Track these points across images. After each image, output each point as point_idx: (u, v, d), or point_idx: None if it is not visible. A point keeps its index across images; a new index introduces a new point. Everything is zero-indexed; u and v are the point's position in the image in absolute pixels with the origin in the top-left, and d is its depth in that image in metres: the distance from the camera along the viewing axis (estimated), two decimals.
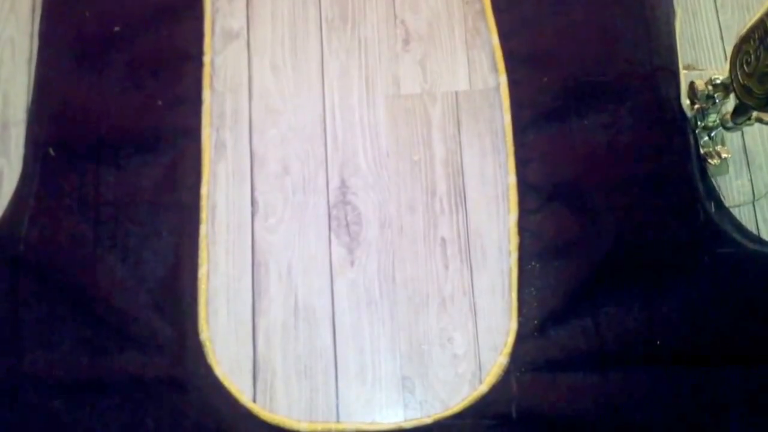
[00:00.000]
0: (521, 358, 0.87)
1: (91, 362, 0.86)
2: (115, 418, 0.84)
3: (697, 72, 0.98)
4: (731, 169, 0.95)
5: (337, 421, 0.87)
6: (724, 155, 0.92)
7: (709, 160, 0.92)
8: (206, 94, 0.98)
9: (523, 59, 0.98)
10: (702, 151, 0.93)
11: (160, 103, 0.97)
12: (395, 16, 1.01)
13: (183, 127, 0.97)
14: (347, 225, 0.94)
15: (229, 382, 0.87)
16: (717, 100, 0.89)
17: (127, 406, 0.85)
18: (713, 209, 0.91)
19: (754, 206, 0.96)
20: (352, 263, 0.93)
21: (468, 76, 0.99)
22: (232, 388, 0.87)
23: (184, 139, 0.96)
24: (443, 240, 0.94)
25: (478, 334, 0.90)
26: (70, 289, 0.89)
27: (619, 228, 0.90)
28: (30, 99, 0.97)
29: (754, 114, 0.84)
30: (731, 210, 0.93)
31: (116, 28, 0.99)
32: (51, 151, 0.94)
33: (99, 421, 0.85)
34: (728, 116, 0.88)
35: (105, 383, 0.86)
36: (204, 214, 0.93)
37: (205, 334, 0.88)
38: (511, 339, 0.88)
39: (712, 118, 0.91)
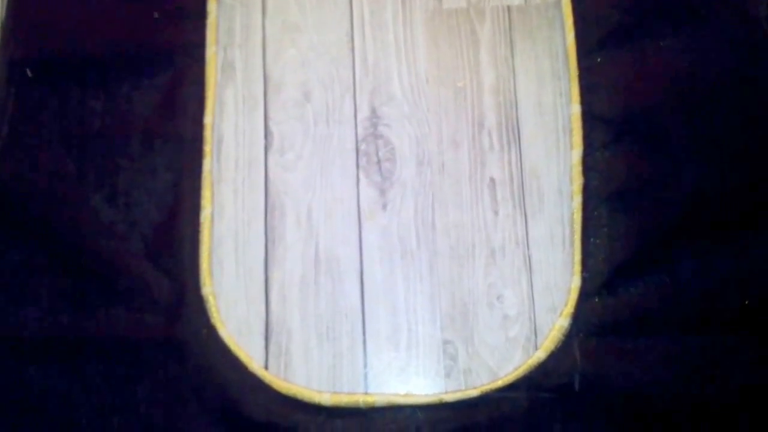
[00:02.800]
0: (585, 320, 0.80)
1: (72, 321, 0.80)
2: (100, 386, 0.79)
3: None
4: None
5: (366, 393, 0.81)
6: None
7: None
8: (212, 6, 0.91)
9: None
10: None
11: (156, 14, 0.90)
12: None
13: (184, 44, 0.90)
14: (378, 162, 0.88)
15: (237, 346, 0.81)
16: None
17: (115, 373, 0.79)
18: None
19: None
20: (383, 207, 0.87)
21: None
22: (240, 352, 0.80)
23: (184, 58, 0.89)
24: (492, 181, 0.87)
25: (533, 292, 0.84)
26: (48, 234, 0.83)
27: (703, 168, 0.84)
28: (4, 11, 0.91)
29: None
30: None
31: None
32: (28, 72, 0.88)
33: (81, 390, 0.79)
34: None
35: (89, 346, 0.80)
36: (208, 148, 0.86)
37: (208, 289, 0.82)
38: (572, 298, 0.81)
39: None
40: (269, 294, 0.85)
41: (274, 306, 0.84)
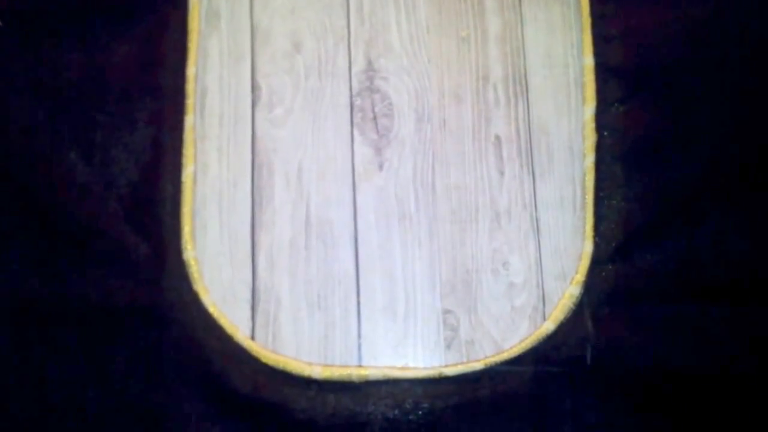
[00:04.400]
0: (597, 289, 0.80)
1: (44, 286, 0.79)
2: (74, 356, 0.77)
3: None
4: None
5: (359, 365, 0.79)
6: None
7: None
8: None
9: None
10: None
11: None
12: None
13: None
14: (375, 118, 0.86)
15: (221, 314, 0.79)
16: None
17: (90, 343, 0.78)
18: None
19: None
20: (380, 166, 0.85)
21: None
22: (224, 321, 0.79)
23: (165, 5, 0.87)
24: (498, 138, 0.85)
25: (541, 258, 0.83)
26: (18, 193, 0.81)
27: (725, 124, 0.82)
28: None
29: None
30: None
31: None
32: None
33: (53, 360, 0.77)
34: None
35: (62, 313, 0.79)
36: (191, 102, 0.85)
37: (190, 253, 0.81)
38: (584, 264, 0.80)
39: None
40: (256, 259, 0.83)
41: (261, 272, 0.83)
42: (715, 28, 0.85)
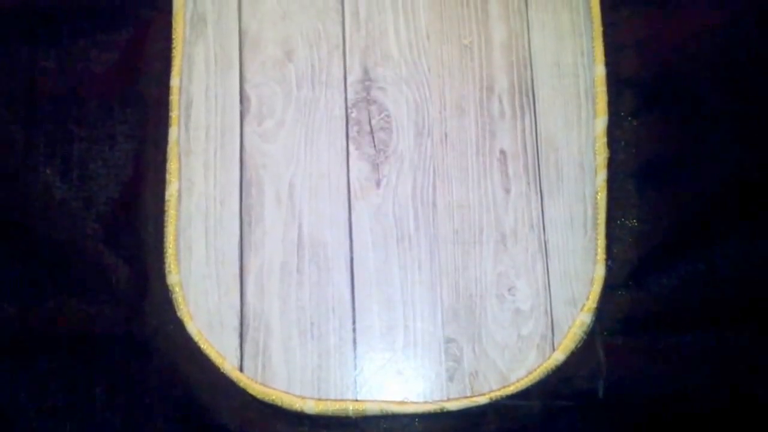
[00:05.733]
0: (610, 316, 0.79)
1: (20, 313, 0.79)
2: (51, 387, 0.77)
3: None
4: None
5: (355, 399, 0.78)
6: None
7: None
8: None
9: None
10: None
11: None
12: None
13: None
14: (371, 131, 0.85)
15: (207, 343, 0.79)
16: None
17: (69, 373, 0.78)
18: None
19: None
20: (377, 183, 0.84)
21: None
22: (211, 350, 0.79)
23: (148, 9, 0.87)
24: (503, 153, 0.84)
25: (549, 283, 0.82)
26: None
27: (745, 138, 0.81)
28: None
29: None
30: None
31: None
32: None
33: (30, 390, 0.77)
34: None
35: (39, 341, 0.79)
36: (175, 114, 0.84)
37: (174, 277, 0.80)
38: (596, 289, 0.79)
39: None
40: (245, 283, 0.82)
41: (250, 297, 0.82)
42: (732, 36, 0.84)
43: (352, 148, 0.85)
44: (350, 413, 0.76)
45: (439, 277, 0.81)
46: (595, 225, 0.81)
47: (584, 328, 0.78)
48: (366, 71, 0.86)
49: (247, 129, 0.85)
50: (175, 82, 0.85)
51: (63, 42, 0.85)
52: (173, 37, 0.86)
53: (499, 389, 0.77)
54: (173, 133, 0.83)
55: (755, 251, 0.79)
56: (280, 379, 0.79)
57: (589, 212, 0.82)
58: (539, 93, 0.85)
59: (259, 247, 0.82)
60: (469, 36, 0.87)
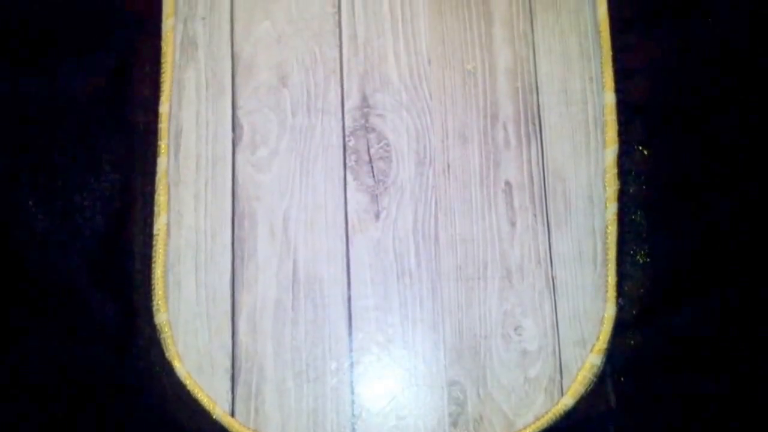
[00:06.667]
0: (621, 357, 0.78)
1: None
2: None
3: None
4: None
5: None
6: None
7: None
8: None
9: None
10: None
11: None
12: None
13: (135, 14, 0.87)
14: (370, 161, 0.84)
15: (197, 386, 0.78)
16: None
17: (50, 417, 0.77)
18: None
19: None
20: (376, 216, 0.83)
21: None
22: (201, 394, 0.78)
23: (136, 32, 0.87)
24: (508, 184, 0.83)
25: (558, 322, 0.80)
26: None
27: (762, 169, 0.80)
28: None
29: None
30: None
31: None
32: None
33: None
34: None
35: (19, 383, 0.78)
36: (164, 143, 0.84)
37: (162, 315, 0.79)
38: (606, 329, 0.78)
39: None
40: (237, 322, 0.81)
41: (242, 337, 0.80)
42: (749, 61, 0.83)
43: (349, 178, 0.84)
44: None
45: (442, 316, 0.80)
46: (605, 260, 0.80)
47: (594, 370, 0.76)
48: (364, 97, 0.85)
49: (239, 158, 0.84)
50: (164, 108, 0.84)
51: (47, 66, 0.84)
52: (162, 61, 0.85)
53: None
54: (162, 162, 0.83)
55: None
56: (274, 424, 0.77)
57: (599, 247, 0.81)
58: (546, 121, 0.84)
59: (252, 284, 0.81)
60: (472, 61, 0.86)
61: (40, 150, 0.82)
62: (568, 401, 0.76)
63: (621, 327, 0.78)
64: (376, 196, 0.83)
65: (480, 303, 0.80)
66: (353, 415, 0.77)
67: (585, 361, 0.77)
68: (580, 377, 0.76)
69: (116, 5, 0.86)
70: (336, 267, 0.81)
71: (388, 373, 0.79)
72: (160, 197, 0.81)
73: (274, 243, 0.82)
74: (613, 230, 0.80)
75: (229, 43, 0.87)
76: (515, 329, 0.79)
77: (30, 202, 0.80)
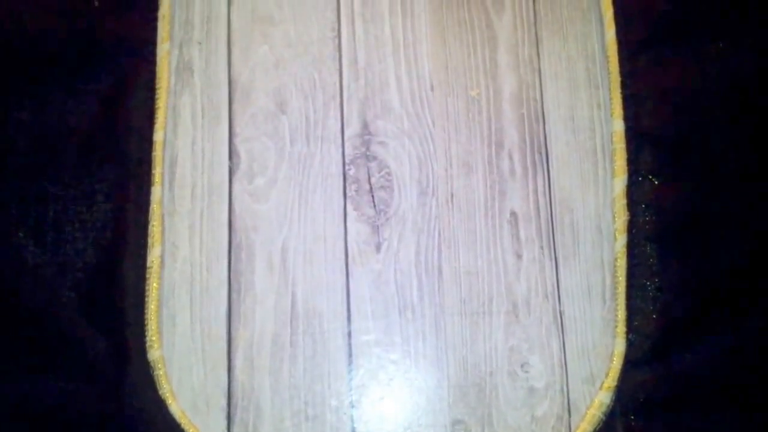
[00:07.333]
0: (631, 395, 0.77)
1: None
2: None
3: None
4: None
5: None
6: None
7: None
8: None
9: None
10: None
11: (97, 4, 0.86)
12: None
13: (130, 39, 0.87)
14: (371, 190, 0.84)
15: (191, 425, 0.76)
16: None
17: None
18: None
19: None
20: (377, 247, 0.82)
21: None
22: None
23: (130, 57, 0.86)
24: (514, 215, 0.83)
25: (566, 358, 0.79)
26: None
27: None
28: None
29: None
30: None
31: None
32: None
33: None
34: None
35: (7, 422, 0.76)
36: (158, 171, 0.83)
37: (156, 352, 0.78)
38: (615, 366, 0.77)
39: None
40: (233, 358, 0.80)
41: (238, 373, 0.79)
42: (762, 86, 0.82)
43: (350, 208, 0.83)
44: None
45: (445, 352, 0.79)
46: (615, 294, 0.79)
47: (603, 408, 0.76)
48: (365, 124, 0.85)
49: (236, 187, 0.83)
50: (158, 136, 0.83)
51: (38, 92, 0.83)
52: (157, 87, 0.84)
53: None
54: (156, 192, 0.82)
55: None
56: None
57: (608, 280, 0.80)
58: (553, 149, 0.84)
59: (249, 318, 0.80)
60: (476, 87, 0.86)
61: (31, 179, 0.81)
62: None
63: (631, 363, 0.77)
64: (378, 226, 0.82)
65: (485, 338, 0.79)
66: None
67: (594, 399, 0.76)
68: (588, 416, 0.75)
69: (109, 29, 0.85)
70: (336, 301, 0.80)
71: (389, 412, 0.78)
72: (154, 228, 0.80)
73: (271, 276, 0.81)
74: (622, 263, 0.79)
75: (226, 69, 0.86)
76: (522, 366, 0.78)
77: (20, 233, 0.79)
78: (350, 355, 0.79)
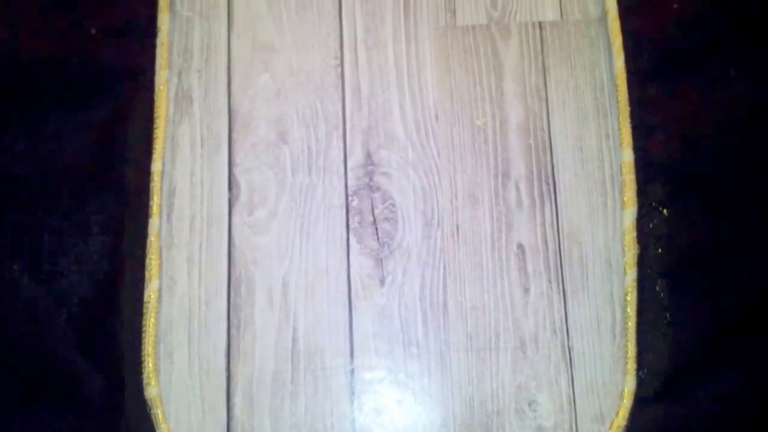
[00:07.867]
0: None
1: None
2: None
3: None
4: None
5: None
6: None
7: None
8: (163, 19, 0.88)
9: None
10: None
11: (93, 31, 0.87)
12: None
13: (127, 67, 0.86)
14: (374, 222, 0.83)
15: None
16: None
17: None
18: None
19: None
20: (381, 281, 0.81)
21: (558, 0, 0.88)
22: None
23: (128, 86, 0.86)
24: (521, 248, 0.81)
25: (574, 396, 0.78)
26: None
27: None
28: None
29: None
30: None
31: None
32: None
33: None
34: None
35: None
36: (156, 203, 0.82)
37: (153, 390, 0.77)
38: (626, 404, 0.76)
39: None
40: (232, 396, 0.78)
41: (238, 412, 0.78)
42: None
43: (353, 241, 0.82)
44: None
45: (451, 389, 0.78)
46: (625, 330, 0.78)
47: None
48: (368, 155, 0.84)
49: (236, 219, 0.83)
50: (156, 166, 0.82)
51: (34, 121, 0.83)
52: (155, 116, 0.84)
53: None
54: (154, 224, 0.81)
55: None
56: None
57: (618, 315, 0.79)
58: (560, 180, 0.83)
59: (249, 355, 0.79)
60: (482, 116, 0.85)
61: (26, 210, 0.80)
62: None
63: (641, 401, 0.76)
64: (381, 260, 0.81)
65: (492, 376, 0.78)
66: None
67: None
68: None
69: (107, 57, 0.85)
70: (338, 336, 0.79)
71: None
72: (152, 261, 0.80)
73: (272, 310, 0.80)
74: (632, 298, 0.78)
75: (226, 97, 0.86)
76: (530, 404, 0.77)
77: (14, 266, 0.78)
78: (353, 392, 0.77)
